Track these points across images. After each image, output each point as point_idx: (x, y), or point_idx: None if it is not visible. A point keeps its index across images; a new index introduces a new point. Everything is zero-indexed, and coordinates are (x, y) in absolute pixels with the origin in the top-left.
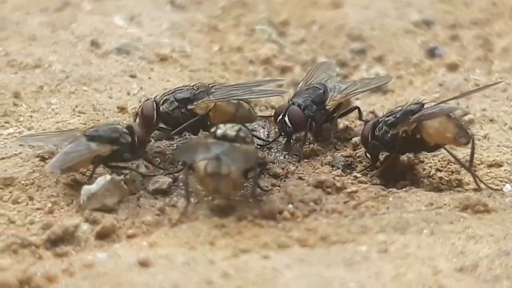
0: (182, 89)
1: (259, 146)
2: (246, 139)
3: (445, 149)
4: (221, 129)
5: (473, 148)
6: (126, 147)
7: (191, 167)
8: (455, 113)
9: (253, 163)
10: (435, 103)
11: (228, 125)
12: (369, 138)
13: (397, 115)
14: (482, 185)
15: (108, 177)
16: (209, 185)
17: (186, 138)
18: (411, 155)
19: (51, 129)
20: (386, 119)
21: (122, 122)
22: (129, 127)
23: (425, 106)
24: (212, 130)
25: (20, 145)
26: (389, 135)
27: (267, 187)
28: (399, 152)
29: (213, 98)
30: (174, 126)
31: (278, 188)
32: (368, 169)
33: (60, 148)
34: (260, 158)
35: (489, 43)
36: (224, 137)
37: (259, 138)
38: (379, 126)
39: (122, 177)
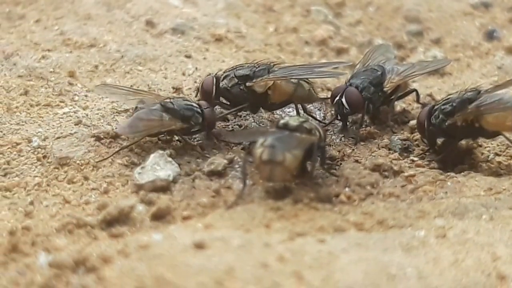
0: (243, 66)
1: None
2: (312, 131)
3: (504, 136)
4: (284, 120)
5: None
6: (196, 126)
7: (250, 152)
8: None
9: (307, 149)
10: (492, 88)
11: (294, 117)
12: (425, 125)
13: (454, 104)
14: None
15: (158, 153)
16: (263, 172)
17: (244, 118)
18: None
19: (107, 109)
20: (443, 107)
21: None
22: (201, 108)
23: (482, 92)
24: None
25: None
26: (446, 123)
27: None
28: (457, 139)
29: (272, 76)
30: (234, 102)
31: (335, 171)
32: (426, 153)
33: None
34: (320, 145)
35: None
36: (285, 127)
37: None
38: (435, 114)
39: (171, 153)
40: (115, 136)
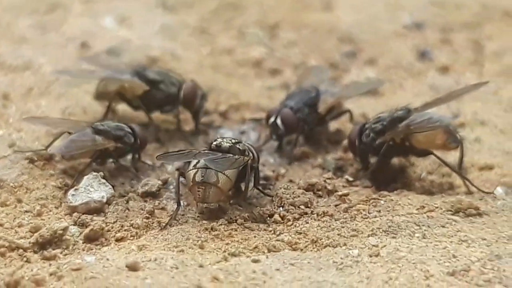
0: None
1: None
2: (245, 152)
3: (434, 154)
4: (216, 141)
5: (462, 152)
6: (128, 146)
7: (183, 174)
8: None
9: (240, 170)
10: (421, 106)
11: (227, 138)
12: (356, 143)
13: (385, 122)
14: (472, 188)
15: (92, 174)
16: (197, 194)
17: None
18: (402, 159)
19: (41, 131)
20: (373, 126)
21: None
22: (132, 128)
23: (412, 111)
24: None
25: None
26: (377, 142)
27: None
28: (388, 157)
29: None
30: None
31: (269, 191)
32: (359, 172)
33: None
34: (254, 166)
35: (480, 46)
36: (218, 148)
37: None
38: (366, 132)
39: (105, 175)
40: (49, 159)
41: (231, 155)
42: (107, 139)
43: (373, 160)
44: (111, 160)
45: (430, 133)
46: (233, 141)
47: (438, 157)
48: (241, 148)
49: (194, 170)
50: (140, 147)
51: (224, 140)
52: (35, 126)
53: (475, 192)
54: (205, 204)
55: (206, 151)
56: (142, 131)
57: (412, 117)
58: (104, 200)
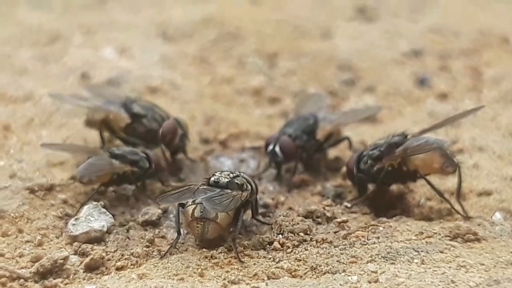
0: None
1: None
2: (243, 186)
3: (423, 177)
4: (215, 176)
5: (460, 177)
6: (143, 171)
7: (182, 205)
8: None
9: (234, 213)
10: (418, 132)
11: (225, 172)
12: (355, 171)
13: (382, 148)
14: (461, 213)
15: (92, 204)
16: (196, 229)
17: None
18: (401, 185)
19: (42, 161)
20: (371, 152)
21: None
22: (146, 154)
23: (408, 136)
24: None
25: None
26: (374, 168)
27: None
28: (385, 184)
29: None
30: None
31: (268, 217)
32: (357, 199)
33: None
34: (252, 198)
35: (478, 73)
36: (216, 184)
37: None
38: (363, 159)
39: (105, 204)
40: (50, 189)
41: (229, 190)
42: (123, 163)
43: (371, 187)
44: (112, 189)
45: (427, 157)
46: (231, 175)
47: (426, 180)
48: (239, 182)
49: (193, 206)
50: (155, 171)
51: (223, 175)
52: (52, 151)
53: (467, 217)
54: (204, 240)
55: (204, 187)
56: (156, 156)
57: (409, 142)
58: (105, 229)
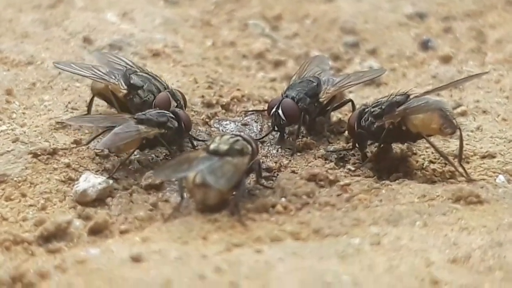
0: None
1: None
2: (243, 150)
3: (424, 138)
4: (214, 143)
5: (461, 140)
6: (173, 131)
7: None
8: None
9: (236, 180)
10: (421, 93)
11: (225, 137)
12: (355, 127)
13: (383, 106)
14: (464, 175)
15: (85, 173)
16: (197, 196)
17: None
18: (403, 147)
19: (44, 125)
20: (372, 109)
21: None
22: (175, 113)
23: (411, 96)
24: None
25: (64, 125)
26: (375, 126)
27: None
28: (384, 142)
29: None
30: None
31: (271, 181)
32: (361, 162)
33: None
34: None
35: (482, 35)
36: (216, 152)
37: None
38: (365, 116)
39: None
40: (53, 153)
41: (230, 158)
42: (150, 127)
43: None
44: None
45: (426, 118)
46: (231, 140)
47: (428, 141)
48: (239, 147)
49: (194, 172)
50: (185, 130)
51: (222, 140)
52: (80, 125)
53: (466, 178)
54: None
55: (203, 156)
56: (185, 114)
57: (410, 102)
58: (108, 184)
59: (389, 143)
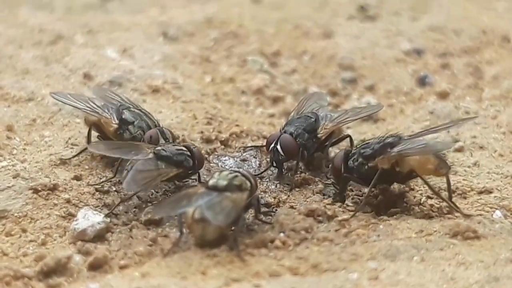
0: None
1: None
2: (242, 186)
3: (420, 177)
4: (213, 179)
5: (448, 179)
6: (187, 170)
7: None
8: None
9: (235, 216)
10: (412, 135)
11: (224, 173)
12: (342, 169)
13: (375, 147)
14: (460, 211)
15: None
16: (196, 231)
17: None
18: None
19: (45, 161)
20: (362, 150)
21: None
22: (190, 150)
23: (402, 138)
24: (207, 179)
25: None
26: (366, 167)
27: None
28: (376, 184)
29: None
30: None
31: (270, 217)
32: (360, 198)
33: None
34: (253, 196)
35: (480, 71)
36: (215, 188)
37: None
38: (353, 157)
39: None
40: (53, 188)
41: (229, 193)
42: (169, 165)
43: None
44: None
45: (423, 158)
46: (230, 176)
47: (424, 180)
48: (237, 183)
49: (193, 208)
50: (198, 167)
51: (221, 176)
52: (100, 153)
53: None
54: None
55: (202, 191)
56: (199, 151)
57: (404, 144)
58: (103, 225)
59: (380, 185)
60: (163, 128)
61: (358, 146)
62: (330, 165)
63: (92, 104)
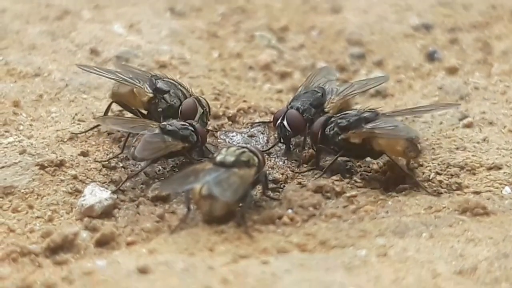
0: None
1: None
2: (249, 161)
3: (387, 155)
4: (221, 155)
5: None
6: (193, 145)
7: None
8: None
9: (242, 192)
10: (390, 112)
11: (232, 148)
12: (319, 134)
13: (351, 120)
14: (427, 190)
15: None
16: (203, 207)
17: None
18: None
19: (51, 137)
20: (339, 121)
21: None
22: (192, 126)
23: (380, 115)
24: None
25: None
26: (339, 137)
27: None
28: (343, 155)
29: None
30: None
31: (278, 193)
32: (368, 174)
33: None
34: (261, 172)
35: (489, 46)
36: (222, 164)
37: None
38: (330, 126)
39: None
40: (60, 164)
41: (236, 169)
42: (175, 139)
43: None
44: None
45: (393, 139)
46: (237, 152)
47: (392, 159)
48: (245, 159)
49: (200, 184)
50: (201, 143)
51: (229, 152)
52: (110, 127)
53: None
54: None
55: (210, 168)
56: (201, 128)
57: (379, 121)
58: (114, 200)
59: (347, 157)
60: (199, 97)
61: (337, 115)
62: (309, 129)
63: (122, 75)
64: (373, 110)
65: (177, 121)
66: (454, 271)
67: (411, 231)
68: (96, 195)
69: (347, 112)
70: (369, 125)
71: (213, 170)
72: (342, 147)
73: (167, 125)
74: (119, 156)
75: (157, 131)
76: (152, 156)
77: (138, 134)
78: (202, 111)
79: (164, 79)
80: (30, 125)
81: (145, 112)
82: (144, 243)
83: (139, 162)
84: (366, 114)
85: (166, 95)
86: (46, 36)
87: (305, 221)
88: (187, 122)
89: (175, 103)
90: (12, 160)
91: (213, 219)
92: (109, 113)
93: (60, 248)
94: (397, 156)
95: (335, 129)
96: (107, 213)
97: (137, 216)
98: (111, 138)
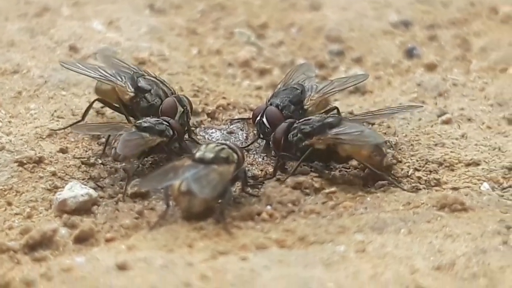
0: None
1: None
2: (229, 158)
3: (356, 159)
4: (200, 151)
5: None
6: (170, 139)
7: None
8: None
9: (221, 189)
10: (352, 116)
11: (211, 145)
12: (282, 141)
13: (314, 126)
14: (398, 185)
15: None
16: (182, 203)
17: None
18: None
19: (30, 134)
20: (302, 127)
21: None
22: (168, 122)
23: (343, 120)
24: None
25: (76, 133)
26: (303, 144)
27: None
28: (306, 160)
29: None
30: None
31: (257, 189)
32: (347, 170)
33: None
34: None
35: (467, 43)
36: (201, 160)
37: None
38: (293, 132)
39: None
40: (39, 161)
41: (215, 166)
42: (153, 135)
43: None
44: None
45: (358, 145)
46: (217, 148)
47: (361, 162)
48: (224, 155)
49: (179, 180)
50: (178, 137)
51: (208, 149)
52: (86, 133)
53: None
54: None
55: (189, 164)
56: (175, 122)
57: (343, 127)
58: (91, 197)
59: (312, 162)
60: (180, 96)
61: (300, 121)
62: (272, 135)
63: (104, 72)
64: (336, 116)
65: (151, 117)
66: (432, 267)
67: (390, 227)
68: (74, 191)
69: (309, 117)
70: (334, 131)
71: (192, 167)
72: (306, 154)
73: (142, 123)
74: (98, 153)
75: (133, 129)
76: (133, 152)
77: (116, 135)
78: (182, 110)
79: (146, 77)
80: (9, 122)
81: (130, 107)
82: (123, 240)
83: (121, 163)
84: (329, 120)
85: (147, 94)
86: (25, 33)
87: (284, 217)
88: (160, 118)
89: (156, 102)
90: None
91: (192, 216)
92: (91, 110)
93: (39, 245)
94: (362, 160)
95: (299, 135)
96: (85, 209)
97: (116, 213)
98: (90, 135)
